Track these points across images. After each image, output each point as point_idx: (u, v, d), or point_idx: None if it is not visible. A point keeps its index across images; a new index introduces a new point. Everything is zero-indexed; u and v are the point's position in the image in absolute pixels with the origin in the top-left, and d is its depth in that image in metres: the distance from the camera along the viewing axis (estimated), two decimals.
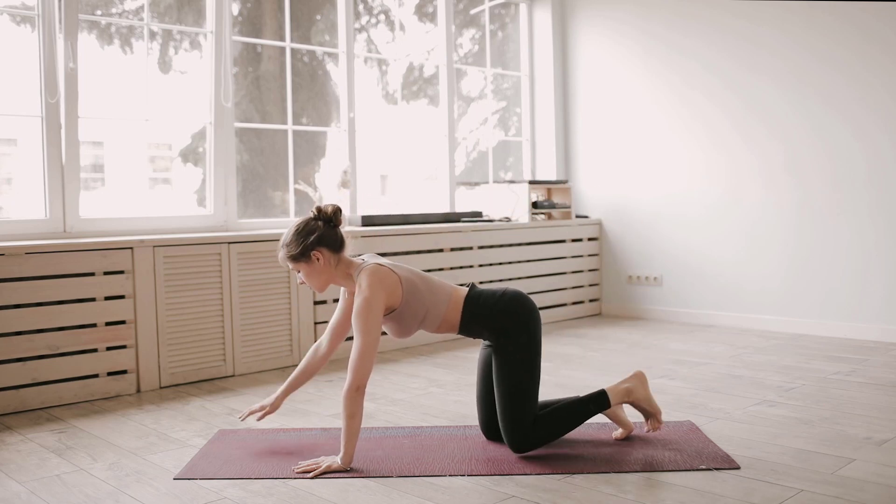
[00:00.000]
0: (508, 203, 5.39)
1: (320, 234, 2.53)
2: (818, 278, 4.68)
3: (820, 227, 4.68)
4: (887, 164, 4.42)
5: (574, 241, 5.58)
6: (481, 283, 4.85)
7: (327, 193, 4.50)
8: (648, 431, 2.70)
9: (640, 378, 2.68)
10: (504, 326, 2.56)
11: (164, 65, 4.31)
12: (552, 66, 5.86)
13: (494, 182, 5.56)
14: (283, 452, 2.63)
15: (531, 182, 5.34)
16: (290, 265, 2.57)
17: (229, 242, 3.85)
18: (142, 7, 4.17)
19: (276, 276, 3.99)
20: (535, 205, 5.39)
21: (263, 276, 3.95)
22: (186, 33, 4.38)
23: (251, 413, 2.77)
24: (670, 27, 5.29)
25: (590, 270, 5.70)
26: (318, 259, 2.54)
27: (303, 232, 2.54)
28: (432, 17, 5.48)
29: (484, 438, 2.73)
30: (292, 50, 4.70)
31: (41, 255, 3.31)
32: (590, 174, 5.80)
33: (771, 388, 3.39)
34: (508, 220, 5.31)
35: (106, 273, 3.48)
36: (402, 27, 5.37)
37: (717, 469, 2.38)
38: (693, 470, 2.38)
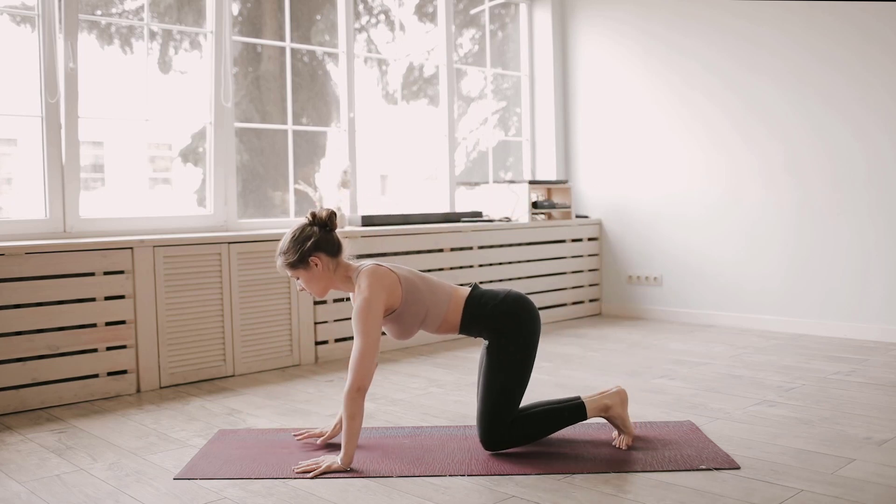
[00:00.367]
0: (508, 203, 5.39)
1: (317, 240, 2.54)
2: (818, 278, 4.68)
3: (820, 227, 4.68)
4: (887, 164, 4.42)
5: (574, 241, 5.58)
6: (481, 283, 4.84)
7: (327, 193, 4.50)
8: (614, 443, 2.63)
9: (620, 396, 2.64)
10: (503, 328, 2.56)
11: (164, 65, 4.31)
12: (552, 66, 5.86)
13: (494, 182, 5.56)
14: (283, 452, 2.63)
15: (531, 182, 5.34)
16: (289, 272, 2.58)
17: (229, 242, 3.85)
18: (142, 7, 4.17)
19: (276, 276, 3.99)
20: (535, 205, 5.39)
21: (263, 276, 3.95)
22: (186, 33, 4.38)
23: (310, 436, 2.74)
24: (670, 27, 5.29)
25: (590, 270, 5.70)
26: (316, 264, 2.54)
27: (299, 238, 2.55)
28: (432, 17, 5.48)
29: None
30: (292, 50, 4.70)
31: (41, 255, 3.31)
32: (590, 174, 5.80)
33: (771, 388, 3.39)
34: (508, 220, 5.31)
35: (106, 273, 3.48)
36: (402, 27, 5.38)
37: (717, 469, 2.38)
38: (693, 470, 2.38)
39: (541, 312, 5.22)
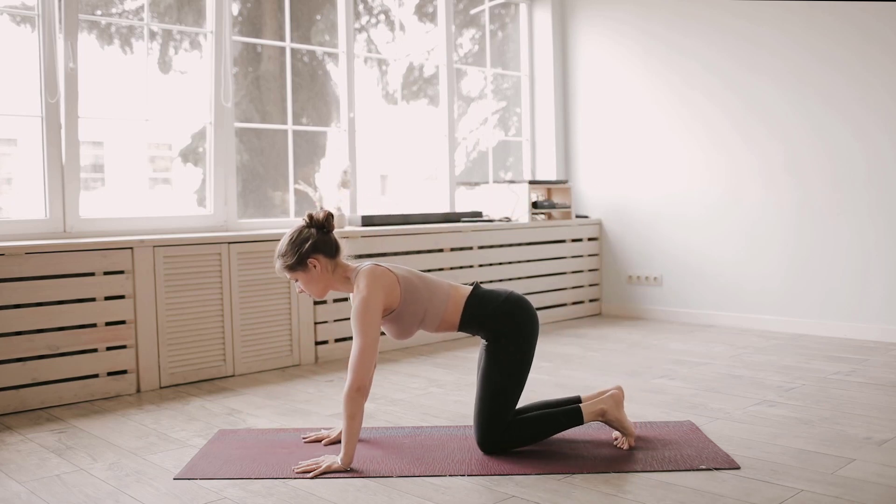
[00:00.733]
0: (508, 203, 5.39)
1: (315, 242, 2.55)
2: (818, 278, 4.68)
3: (820, 227, 4.68)
4: (887, 164, 4.42)
5: (574, 241, 5.58)
6: (481, 283, 4.84)
7: (327, 193, 4.50)
8: (616, 443, 2.62)
9: (615, 399, 2.63)
10: (502, 329, 2.56)
11: (164, 65, 4.31)
12: (552, 66, 5.86)
13: (494, 182, 5.56)
14: (283, 452, 2.63)
15: (531, 182, 5.34)
16: (288, 275, 2.58)
17: (229, 242, 3.85)
18: (142, 7, 4.17)
19: (276, 276, 3.98)
20: (535, 205, 5.39)
21: (263, 276, 3.94)
22: (186, 33, 4.38)
23: (318, 438, 2.75)
24: (670, 27, 5.29)
25: (590, 270, 5.70)
26: (314, 266, 2.54)
27: (297, 241, 2.55)
28: (432, 17, 5.48)
29: None
30: (292, 50, 4.70)
31: (41, 255, 3.31)
32: (590, 174, 5.80)
33: (771, 388, 3.39)
34: (508, 220, 5.31)
35: (106, 273, 3.48)
36: (402, 27, 5.38)
37: (717, 469, 2.38)
38: (693, 470, 2.38)
39: (541, 312, 5.28)
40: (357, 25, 5.08)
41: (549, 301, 5.38)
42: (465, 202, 5.49)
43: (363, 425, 2.83)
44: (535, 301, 5.21)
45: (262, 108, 4.70)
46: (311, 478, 2.39)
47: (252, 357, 3.92)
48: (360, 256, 4.16)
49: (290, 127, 4.67)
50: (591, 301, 5.69)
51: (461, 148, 5.80)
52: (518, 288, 5.11)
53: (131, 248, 3.55)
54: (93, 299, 3.44)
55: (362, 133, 5.00)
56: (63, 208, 3.74)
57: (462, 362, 4.09)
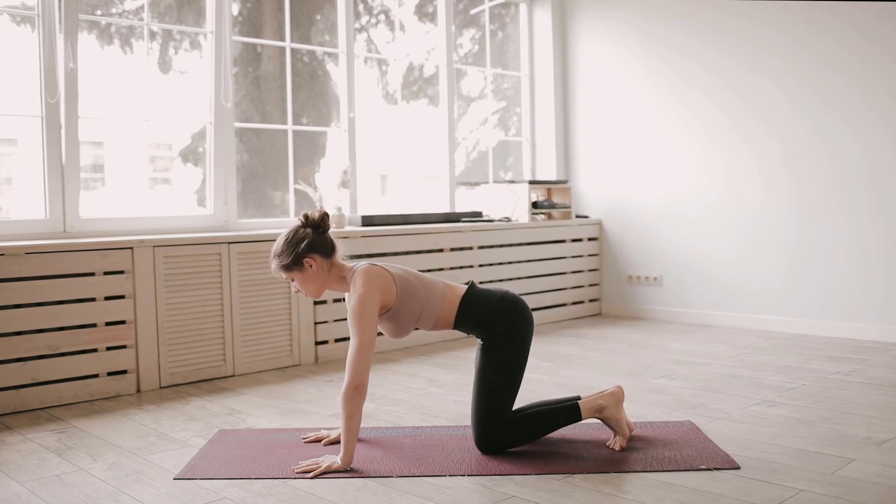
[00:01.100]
0: (508, 203, 5.39)
1: (310, 241, 2.55)
2: (818, 278, 4.68)
3: (820, 227, 4.68)
4: (887, 164, 4.42)
5: (574, 241, 5.58)
6: (481, 283, 4.84)
7: (327, 193, 4.50)
8: (609, 444, 2.61)
9: (616, 396, 2.63)
10: (497, 328, 2.57)
11: (164, 65, 4.31)
12: (552, 66, 5.86)
13: (494, 182, 5.56)
14: (283, 452, 2.63)
15: (531, 182, 5.34)
16: (284, 275, 2.58)
17: (229, 242, 3.85)
18: (142, 7, 4.17)
19: (276, 276, 3.98)
20: (535, 205, 5.39)
21: (263, 276, 3.94)
22: (186, 33, 4.38)
23: (318, 438, 2.74)
24: (670, 27, 5.29)
25: (590, 270, 5.70)
26: (310, 266, 2.55)
27: (293, 241, 2.55)
28: (432, 17, 5.48)
29: None
30: (292, 50, 4.70)
31: (41, 255, 3.31)
32: (590, 174, 5.80)
33: (771, 388, 3.39)
34: (508, 220, 5.31)
35: (106, 273, 3.48)
36: (402, 27, 5.38)
37: (717, 469, 2.38)
38: (693, 470, 2.38)
39: (541, 312, 5.28)
40: (357, 25, 5.08)
41: (549, 301, 5.38)
42: (465, 202, 5.49)
43: (363, 425, 2.83)
44: (534, 301, 5.21)
45: (262, 108, 4.70)
46: (311, 478, 2.39)
47: (252, 357, 3.92)
48: (361, 256, 4.16)
49: (290, 127, 4.67)
50: (591, 301, 5.69)
51: (461, 148, 5.80)
52: (518, 288, 5.12)
53: (131, 248, 3.55)
54: (93, 299, 3.44)
55: (362, 133, 5.00)
56: (63, 208, 3.74)
57: (462, 362, 4.09)
